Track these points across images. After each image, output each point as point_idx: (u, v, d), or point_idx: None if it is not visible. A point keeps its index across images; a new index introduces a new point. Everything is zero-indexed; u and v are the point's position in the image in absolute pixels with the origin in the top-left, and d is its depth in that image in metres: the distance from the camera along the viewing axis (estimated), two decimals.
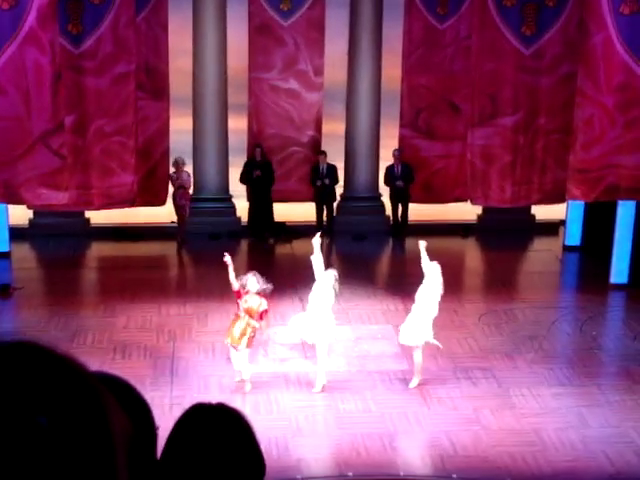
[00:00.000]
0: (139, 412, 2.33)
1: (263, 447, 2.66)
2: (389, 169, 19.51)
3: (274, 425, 12.52)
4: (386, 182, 19.53)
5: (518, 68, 15.20)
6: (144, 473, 2.25)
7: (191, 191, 19.63)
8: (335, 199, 19.97)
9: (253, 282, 13.30)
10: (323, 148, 19.88)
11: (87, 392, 1.55)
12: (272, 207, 19.74)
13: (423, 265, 13.72)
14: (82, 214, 19.61)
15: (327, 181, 19.55)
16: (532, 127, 15.40)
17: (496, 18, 15.00)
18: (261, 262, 17.77)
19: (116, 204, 16.33)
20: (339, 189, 20.81)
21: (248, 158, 19.70)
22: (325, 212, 19.91)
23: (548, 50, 15.09)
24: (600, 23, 14.37)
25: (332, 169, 19.67)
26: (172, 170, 18.55)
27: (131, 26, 15.59)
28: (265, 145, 19.60)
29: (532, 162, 15.52)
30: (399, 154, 19.08)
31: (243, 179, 19.65)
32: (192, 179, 19.74)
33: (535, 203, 17.36)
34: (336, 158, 20.09)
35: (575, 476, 11.80)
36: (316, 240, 13.92)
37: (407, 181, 19.14)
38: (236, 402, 12.90)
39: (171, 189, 18.84)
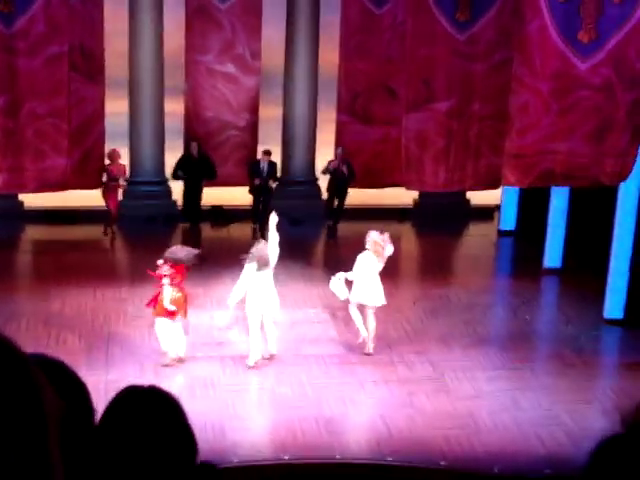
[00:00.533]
0: (75, 392, 2.32)
1: (198, 431, 2.66)
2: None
3: (210, 409, 12.51)
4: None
5: (452, 53, 15.24)
6: (79, 453, 2.25)
7: (126, 176, 19.42)
8: (272, 194, 19.76)
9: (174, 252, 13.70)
10: (260, 132, 19.80)
11: (20, 372, 1.54)
12: (201, 195, 19.59)
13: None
14: (15, 197, 19.38)
15: (270, 182, 19.49)
16: (466, 113, 15.47)
17: (430, 3, 15.03)
18: (197, 245, 17.68)
19: (50, 187, 16.13)
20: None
21: (184, 154, 19.52)
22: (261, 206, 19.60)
23: (482, 36, 15.16)
24: (536, 10, 14.47)
25: (273, 167, 19.55)
26: (107, 162, 18.34)
27: (64, 6, 15.36)
28: (202, 129, 19.50)
29: (466, 148, 15.61)
30: (342, 153, 18.86)
31: (175, 175, 19.47)
32: (128, 171, 19.61)
33: (469, 189, 17.48)
34: (273, 142, 20.05)
35: (508, 457, 11.95)
36: (273, 218, 14.07)
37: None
38: (171, 385, 12.87)
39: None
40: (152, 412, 2.50)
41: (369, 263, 14.19)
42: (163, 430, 2.48)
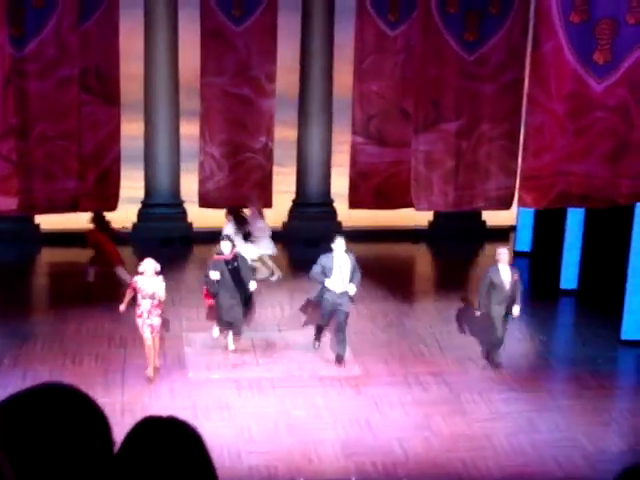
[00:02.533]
0: (94, 423, 2.31)
1: (214, 455, 2.64)
2: None
3: (225, 432, 12.49)
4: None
5: (461, 74, 15.24)
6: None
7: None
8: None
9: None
10: (275, 154, 19.79)
11: None
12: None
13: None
14: (31, 219, 19.43)
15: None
16: (475, 133, 15.46)
17: (439, 24, 15.04)
18: None
19: (59, 209, 16.16)
20: (291, 195, 20.84)
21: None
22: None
23: (491, 57, 15.16)
24: (550, 31, 14.46)
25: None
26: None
27: (74, 30, 15.44)
28: (217, 151, 19.54)
29: (475, 168, 15.59)
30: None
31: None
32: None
33: (479, 208, 17.45)
34: (288, 164, 20.08)
35: None
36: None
37: None
38: (186, 408, 12.85)
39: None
40: (172, 444, 2.46)
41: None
42: (183, 463, 2.44)
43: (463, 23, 15.10)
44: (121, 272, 17.54)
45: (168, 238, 19.84)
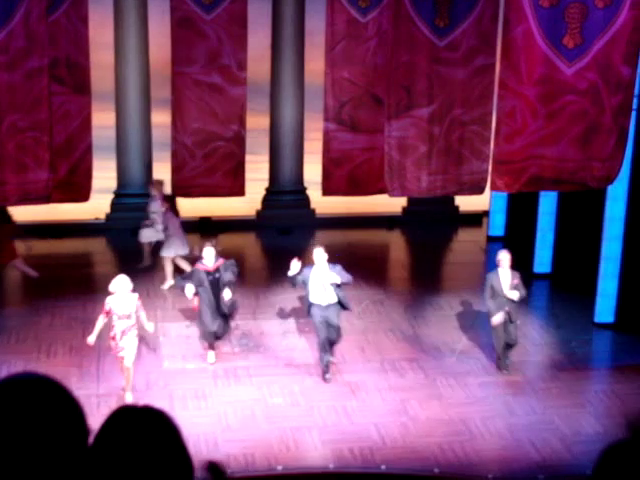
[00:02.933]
0: (69, 412, 2.30)
1: (191, 444, 2.64)
2: None
3: (202, 421, 12.49)
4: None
5: (433, 60, 15.25)
6: (74, 473, 2.22)
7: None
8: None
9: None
10: (248, 143, 19.77)
11: None
12: None
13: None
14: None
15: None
16: (447, 118, 15.48)
17: (410, 10, 15.05)
18: (187, 257, 17.64)
19: (32, 200, 16.06)
20: (264, 183, 20.81)
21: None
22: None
23: (462, 42, 15.17)
24: (520, 15, 14.48)
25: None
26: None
27: (43, 20, 15.34)
28: (188, 140, 19.47)
29: (448, 153, 15.61)
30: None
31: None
32: None
33: (452, 193, 17.45)
34: (261, 152, 20.03)
35: (502, 464, 11.94)
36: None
37: None
38: (163, 398, 12.84)
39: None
40: (148, 433, 2.45)
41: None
42: (159, 451, 2.43)
43: (434, 8, 15.10)
44: (19, 265, 17.31)
45: (140, 228, 19.74)
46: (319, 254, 14.08)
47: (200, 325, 14.48)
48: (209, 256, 14.36)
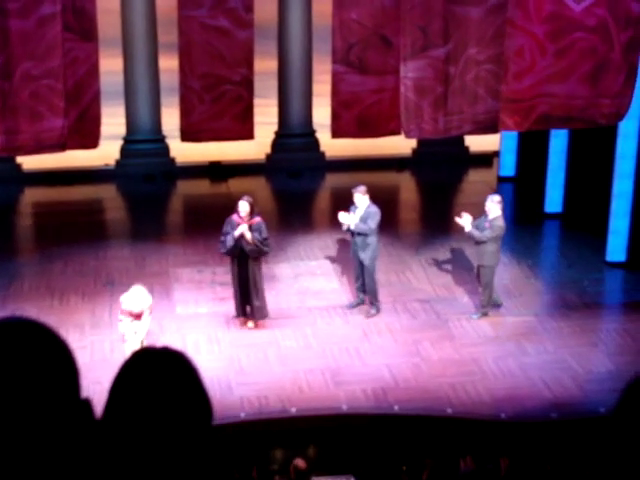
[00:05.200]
0: (57, 354, 2.29)
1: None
2: None
3: (216, 365, 12.56)
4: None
5: None
6: (65, 414, 2.23)
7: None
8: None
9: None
10: (256, 86, 19.69)
11: None
12: None
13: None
14: (13, 159, 19.32)
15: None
16: (462, 58, 15.39)
17: None
18: (198, 202, 17.68)
19: (47, 149, 16.04)
20: (273, 127, 20.74)
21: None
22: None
23: None
24: None
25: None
26: None
27: None
28: (197, 84, 19.39)
29: (463, 92, 15.53)
30: None
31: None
32: None
33: (468, 133, 17.38)
34: (270, 95, 19.95)
35: (514, 403, 12.01)
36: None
37: None
38: (176, 343, 12.91)
39: None
40: (167, 372, 2.46)
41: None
42: (179, 391, 2.44)
43: None
44: None
45: (151, 174, 19.74)
46: (359, 198, 14.24)
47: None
48: (244, 209, 13.76)
